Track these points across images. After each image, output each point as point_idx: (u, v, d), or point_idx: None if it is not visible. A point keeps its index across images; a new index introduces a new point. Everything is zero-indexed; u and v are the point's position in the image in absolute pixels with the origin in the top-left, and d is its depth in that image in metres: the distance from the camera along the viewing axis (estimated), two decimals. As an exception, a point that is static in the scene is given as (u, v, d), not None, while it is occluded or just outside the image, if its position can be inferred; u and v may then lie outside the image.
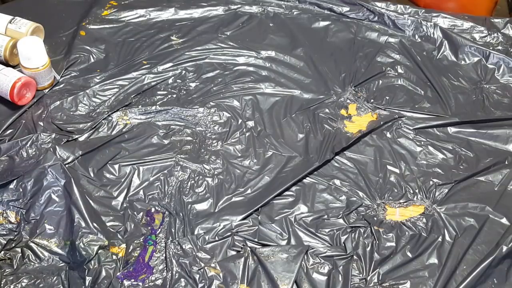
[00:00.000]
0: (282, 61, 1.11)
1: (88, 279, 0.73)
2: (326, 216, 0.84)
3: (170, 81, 1.04)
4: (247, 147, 0.94)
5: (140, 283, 0.74)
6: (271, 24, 1.20)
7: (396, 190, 0.89)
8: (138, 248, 0.78)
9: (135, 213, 0.82)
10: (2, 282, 0.72)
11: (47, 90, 0.99)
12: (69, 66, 1.04)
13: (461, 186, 0.89)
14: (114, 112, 0.96)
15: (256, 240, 0.79)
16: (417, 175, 0.91)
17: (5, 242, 0.77)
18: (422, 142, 0.96)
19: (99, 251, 0.76)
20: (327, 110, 1.01)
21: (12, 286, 0.72)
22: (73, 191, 0.80)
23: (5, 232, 0.78)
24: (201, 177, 0.88)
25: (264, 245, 0.79)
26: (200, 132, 0.96)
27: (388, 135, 0.98)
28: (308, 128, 0.98)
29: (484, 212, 0.85)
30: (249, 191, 0.87)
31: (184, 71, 1.06)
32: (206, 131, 0.96)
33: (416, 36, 1.19)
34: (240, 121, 0.98)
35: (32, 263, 0.76)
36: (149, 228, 0.81)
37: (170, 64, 1.07)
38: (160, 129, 0.95)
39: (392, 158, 0.94)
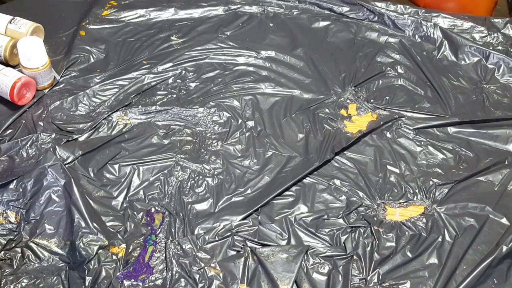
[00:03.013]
0: (282, 61, 1.11)
1: (88, 279, 0.73)
2: (326, 216, 0.84)
3: (170, 81, 1.04)
4: (247, 147, 0.94)
5: (140, 283, 0.74)
6: (271, 24, 1.20)
7: (396, 190, 0.89)
8: (138, 248, 0.78)
9: (135, 213, 0.82)
10: (2, 282, 0.72)
11: (47, 90, 0.99)
12: (69, 66, 1.04)
13: (461, 186, 0.89)
14: (114, 112, 0.96)
15: (256, 240, 0.79)
16: (417, 175, 0.91)
17: (5, 242, 0.77)
18: (422, 142, 0.96)
19: (99, 251, 0.76)
20: (327, 110, 1.01)
21: (12, 286, 0.72)
22: (73, 191, 0.80)
23: (5, 232, 0.78)
24: (201, 177, 0.88)
25: (264, 245, 0.79)
26: (200, 132, 0.96)
27: (388, 135, 0.98)
28: (308, 128, 0.98)
29: (484, 212, 0.85)
30: (249, 191, 0.87)
31: (184, 71, 1.06)
32: (206, 131, 0.96)
33: (416, 36, 1.19)
34: (240, 121, 0.98)
35: (32, 263, 0.76)
36: (149, 228, 0.81)
37: (170, 64, 1.07)
38: (160, 129, 0.95)
39: (392, 158, 0.94)
